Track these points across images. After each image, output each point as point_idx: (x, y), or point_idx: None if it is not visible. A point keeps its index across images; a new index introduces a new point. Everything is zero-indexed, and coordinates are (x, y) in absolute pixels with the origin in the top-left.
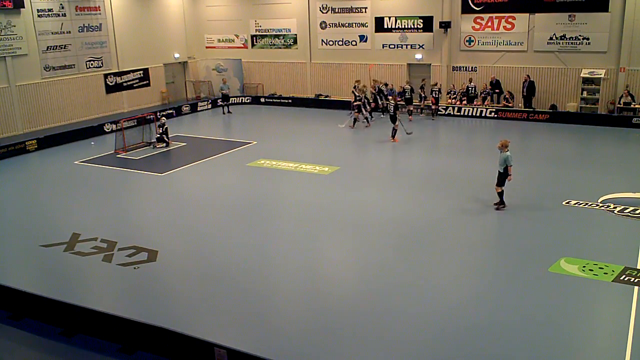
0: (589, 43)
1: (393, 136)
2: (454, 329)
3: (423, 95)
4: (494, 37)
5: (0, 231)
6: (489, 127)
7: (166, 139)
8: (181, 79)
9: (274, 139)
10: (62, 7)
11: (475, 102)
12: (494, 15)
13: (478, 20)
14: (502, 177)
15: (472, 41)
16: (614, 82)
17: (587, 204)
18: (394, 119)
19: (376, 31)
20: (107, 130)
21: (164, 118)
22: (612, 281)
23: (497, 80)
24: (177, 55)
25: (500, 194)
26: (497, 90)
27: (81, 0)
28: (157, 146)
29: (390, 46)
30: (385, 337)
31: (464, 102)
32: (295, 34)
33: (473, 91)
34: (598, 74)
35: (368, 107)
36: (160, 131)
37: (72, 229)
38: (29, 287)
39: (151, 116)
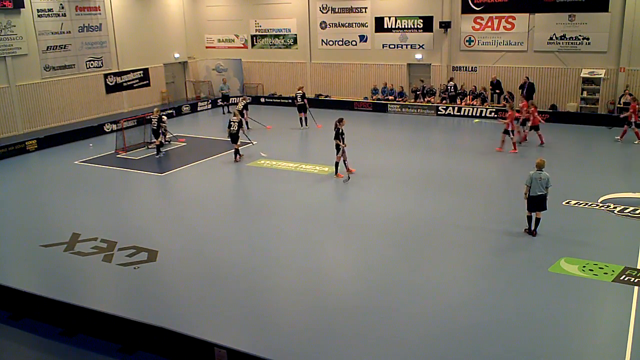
0: (589, 43)
1: (238, 155)
2: (454, 328)
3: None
4: (494, 37)
5: (0, 231)
6: (489, 127)
7: (162, 140)
8: (181, 79)
9: (274, 139)
10: (62, 7)
11: (458, 102)
12: (494, 15)
13: (478, 20)
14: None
15: (472, 41)
16: (614, 82)
17: (587, 204)
18: (235, 138)
19: (376, 31)
20: (107, 130)
21: (164, 116)
22: (612, 281)
23: (497, 81)
24: (177, 55)
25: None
26: (497, 91)
27: (81, 0)
28: (150, 147)
29: (390, 46)
30: (386, 337)
31: (446, 102)
32: (295, 34)
33: (452, 90)
34: (598, 74)
35: (161, 136)
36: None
37: (72, 229)
38: (29, 287)
39: (151, 116)
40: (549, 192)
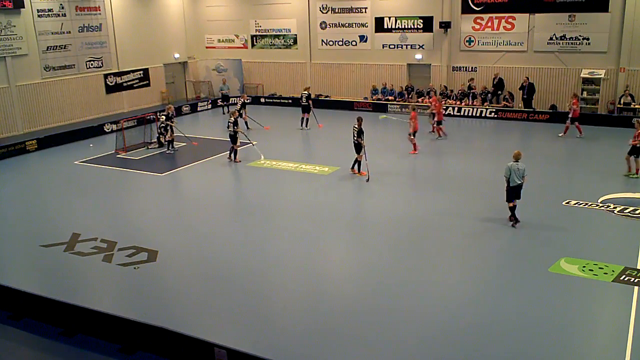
0: (589, 43)
1: (235, 156)
2: (454, 328)
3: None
4: (494, 37)
5: (0, 231)
6: (490, 127)
7: (162, 140)
8: (181, 79)
9: (274, 139)
10: (62, 7)
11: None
12: (494, 15)
13: (478, 20)
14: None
15: (472, 41)
16: (614, 82)
17: (587, 204)
18: (234, 140)
19: (376, 31)
20: (107, 131)
21: (163, 116)
22: (612, 281)
23: (500, 79)
24: (177, 55)
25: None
26: (494, 90)
27: (81, 0)
28: (150, 147)
29: (390, 46)
30: (386, 337)
31: (465, 102)
32: (295, 34)
33: (468, 90)
34: (598, 74)
35: (168, 135)
36: (158, 132)
37: (72, 229)
38: (29, 287)
39: (151, 116)
40: (525, 182)
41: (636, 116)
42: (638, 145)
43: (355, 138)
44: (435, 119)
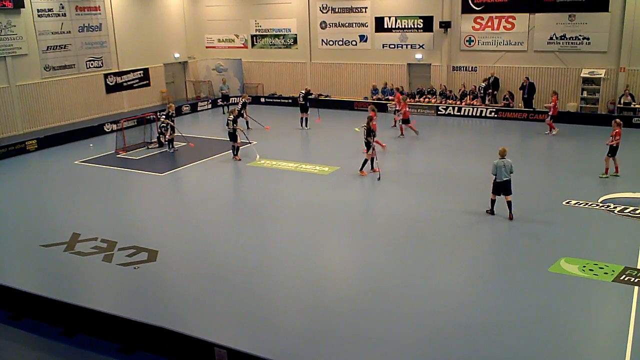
0: (589, 43)
1: (236, 152)
2: (454, 328)
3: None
4: (494, 37)
5: (0, 231)
6: (490, 127)
7: (162, 140)
8: (181, 79)
9: (274, 138)
10: (62, 7)
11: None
12: (494, 15)
13: (478, 20)
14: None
15: (472, 41)
16: (614, 82)
17: (587, 204)
18: (234, 137)
19: (376, 31)
20: (107, 130)
21: (163, 116)
22: (612, 281)
23: (495, 78)
24: (177, 55)
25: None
26: (491, 91)
27: (81, 0)
28: (150, 147)
29: (390, 46)
30: (386, 337)
31: (467, 101)
32: (295, 34)
33: (481, 91)
34: (598, 74)
35: (168, 134)
36: (158, 131)
37: (72, 229)
38: (29, 287)
39: (151, 116)
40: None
41: (636, 116)
42: (614, 145)
43: (365, 137)
44: (401, 117)
